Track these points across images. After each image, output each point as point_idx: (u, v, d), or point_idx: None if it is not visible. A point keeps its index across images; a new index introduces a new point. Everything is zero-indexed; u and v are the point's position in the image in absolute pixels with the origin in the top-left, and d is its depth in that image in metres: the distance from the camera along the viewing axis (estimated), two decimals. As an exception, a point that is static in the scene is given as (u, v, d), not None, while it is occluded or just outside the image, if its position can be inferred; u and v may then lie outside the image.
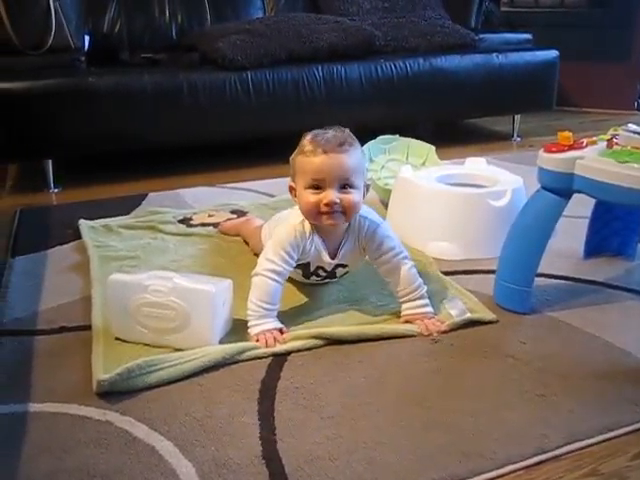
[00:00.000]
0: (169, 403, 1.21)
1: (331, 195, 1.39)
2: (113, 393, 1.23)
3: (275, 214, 1.75)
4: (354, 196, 1.41)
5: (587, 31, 3.99)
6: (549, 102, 3.34)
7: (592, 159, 1.39)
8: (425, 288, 1.52)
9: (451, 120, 3.61)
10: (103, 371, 1.25)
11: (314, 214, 1.42)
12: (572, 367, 1.33)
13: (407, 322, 1.49)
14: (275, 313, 1.46)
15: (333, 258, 1.51)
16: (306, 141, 1.44)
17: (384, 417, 1.18)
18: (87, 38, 2.83)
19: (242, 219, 2.08)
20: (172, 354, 1.31)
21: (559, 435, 1.13)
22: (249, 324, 1.44)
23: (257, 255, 1.58)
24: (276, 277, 1.44)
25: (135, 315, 1.37)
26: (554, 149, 1.45)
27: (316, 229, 1.48)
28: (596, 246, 1.84)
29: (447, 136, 3.19)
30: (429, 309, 1.50)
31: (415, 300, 1.50)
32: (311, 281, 1.62)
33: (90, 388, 1.24)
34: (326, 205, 1.39)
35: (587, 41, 3.97)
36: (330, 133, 1.43)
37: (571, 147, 1.44)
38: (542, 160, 1.47)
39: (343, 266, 1.57)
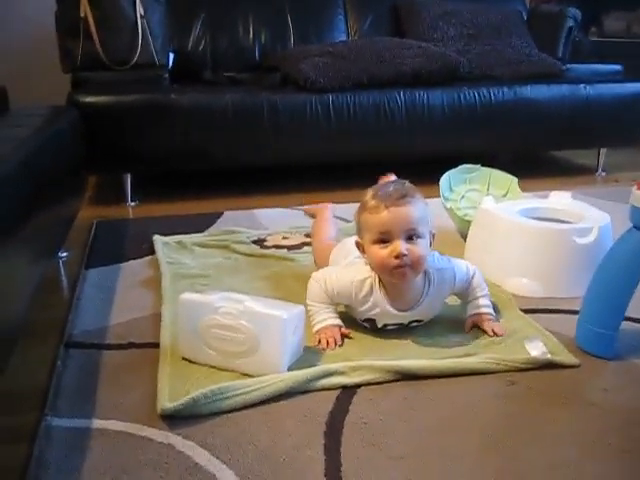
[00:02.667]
0: (233, 430, 1.18)
1: (399, 246, 1.40)
2: (178, 416, 1.20)
3: (345, 241, 1.75)
4: (421, 247, 1.43)
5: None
6: (637, 137, 3.21)
7: (690, 200, 1.30)
8: (486, 289, 1.59)
9: (534, 151, 3.51)
10: (168, 395, 1.23)
11: (387, 269, 1.43)
12: (660, 421, 1.25)
13: (474, 325, 1.55)
14: (334, 310, 1.54)
15: (402, 311, 1.50)
16: (368, 197, 1.46)
17: (457, 462, 1.12)
18: (171, 56, 2.88)
19: (326, 213, 2.11)
20: (239, 382, 1.28)
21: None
22: (312, 323, 1.51)
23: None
24: (324, 291, 1.52)
25: (204, 336, 1.35)
26: (648, 187, 1.37)
27: (389, 287, 1.48)
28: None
29: (528, 167, 3.09)
30: (491, 310, 1.57)
31: (478, 299, 1.57)
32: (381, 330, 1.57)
33: (154, 408, 1.22)
34: (396, 257, 1.40)
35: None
36: (391, 187, 1.46)
37: (667, 186, 1.36)
38: (635, 198, 1.39)
39: (418, 321, 1.56)
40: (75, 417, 1.21)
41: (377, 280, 1.49)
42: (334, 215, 2.22)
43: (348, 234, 2.06)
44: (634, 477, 1.09)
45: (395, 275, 1.43)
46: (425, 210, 1.46)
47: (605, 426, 1.22)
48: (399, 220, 1.41)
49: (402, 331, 1.54)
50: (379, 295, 1.48)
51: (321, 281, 1.53)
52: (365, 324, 1.55)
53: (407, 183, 1.49)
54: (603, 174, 3.25)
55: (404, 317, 1.51)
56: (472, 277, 1.58)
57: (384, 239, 1.42)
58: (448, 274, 1.53)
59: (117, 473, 1.07)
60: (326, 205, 2.23)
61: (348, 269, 1.56)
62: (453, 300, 1.64)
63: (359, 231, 1.49)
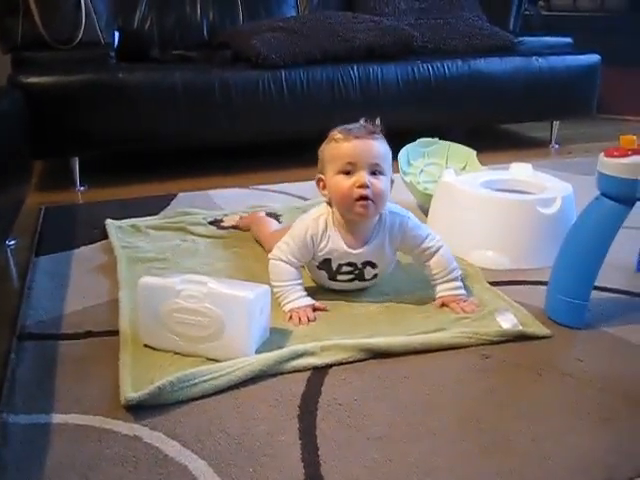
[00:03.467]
0: (203, 418, 1.12)
1: (363, 177, 1.41)
2: (143, 406, 1.14)
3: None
4: (384, 183, 1.44)
5: (627, 36, 3.85)
6: (589, 108, 3.22)
7: (660, 165, 1.29)
8: (459, 272, 1.55)
9: (488, 125, 3.50)
10: (131, 385, 1.17)
11: (348, 201, 1.43)
12: (635, 388, 1.23)
13: (443, 305, 1.51)
14: (302, 287, 1.51)
15: (354, 249, 1.50)
16: (336, 131, 1.47)
17: (437, 439, 1.08)
18: (117, 34, 2.77)
19: (258, 215, 2.04)
20: (205, 367, 1.22)
21: (628, 465, 1.03)
22: (282, 303, 1.48)
23: None
24: (285, 259, 1.50)
25: (166, 321, 1.29)
26: (616, 153, 1.34)
27: (343, 224, 1.50)
28: (651, 258, 1.73)
29: (483, 141, 3.07)
30: (463, 291, 1.54)
31: (449, 282, 1.53)
32: (340, 284, 1.57)
33: (118, 399, 1.15)
34: (360, 187, 1.41)
35: (627, 46, 3.83)
36: (360, 123, 1.47)
37: (635, 152, 1.33)
38: (603, 165, 1.36)
39: (372, 265, 1.54)
40: (33, 413, 1.14)
41: (331, 217, 1.51)
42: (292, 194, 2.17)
43: (306, 212, 2.02)
44: (615, 445, 1.07)
45: (356, 208, 1.43)
46: (389, 152, 1.48)
47: (582, 396, 1.20)
48: (366, 152, 1.42)
49: (365, 295, 1.55)
50: (333, 231, 1.50)
51: (280, 255, 1.51)
52: (322, 271, 1.55)
53: (369, 120, 1.49)
54: (557, 146, 3.25)
55: (356, 256, 1.51)
56: (436, 250, 1.53)
57: (349, 170, 1.43)
58: (400, 219, 1.52)
59: (82, 470, 1.00)
60: (255, 212, 2.11)
61: (296, 225, 1.55)
62: (422, 277, 1.60)
63: (322, 164, 1.49)
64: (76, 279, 1.68)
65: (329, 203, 1.52)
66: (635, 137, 1.35)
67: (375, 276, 1.57)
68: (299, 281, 1.52)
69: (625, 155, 1.33)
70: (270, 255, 1.53)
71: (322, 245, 1.50)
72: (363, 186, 1.41)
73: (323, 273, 1.56)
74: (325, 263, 1.53)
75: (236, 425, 1.11)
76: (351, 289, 1.58)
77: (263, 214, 2.06)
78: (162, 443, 1.06)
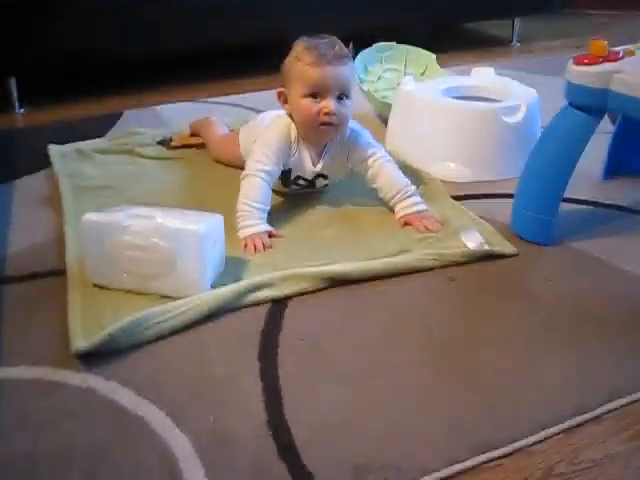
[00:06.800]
0: (158, 363, 1.07)
1: (332, 104, 1.41)
2: (95, 353, 1.07)
3: (250, 120, 1.73)
4: (348, 108, 1.45)
5: None
6: (552, 4, 3.11)
7: (632, 73, 1.21)
8: (414, 187, 1.52)
9: (447, 24, 3.37)
10: (81, 331, 1.09)
11: (314, 123, 1.43)
12: (604, 308, 1.20)
13: (406, 224, 1.47)
14: (265, 215, 1.45)
15: (314, 166, 1.51)
16: (303, 49, 1.43)
17: (403, 375, 1.04)
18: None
19: (204, 120, 1.98)
20: (158, 308, 1.14)
21: (599, 391, 1.00)
22: (238, 226, 1.42)
23: (221, 163, 1.78)
24: (265, 176, 1.45)
25: (114, 259, 1.21)
26: (586, 61, 1.27)
27: (303, 139, 1.49)
28: (617, 165, 1.68)
29: (443, 41, 2.98)
30: (422, 206, 1.49)
31: (406, 199, 1.49)
32: (292, 191, 1.59)
33: (68, 347, 1.08)
34: (326, 114, 1.41)
35: None
36: (326, 42, 1.44)
37: (606, 59, 1.26)
38: (572, 74, 1.29)
39: (324, 177, 1.55)
40: (-24, 367, 1.07)
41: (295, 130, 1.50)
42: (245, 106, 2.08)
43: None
44: (586, 371, 1.04)
45: (320, 131, 1.45)
46: (355, 72, 1.52)
47: (552, 319, 1.17)
48: (335, 79, 1.41)
49: (322, 213, 1.50)
50: (301, 144, 1.50)
51: (262, 167, 1.45)
52: (279, 181, 1.54)
53: (338, 40, 1.46)
54: (518, 44, 3.16)
55: (314, 171, 1.52)
56: (381, 166, 1.51)
57: (316, 94, 1.41)
58: (353, 134, 1.52)
59: (33, 429, 0.94)
60: (208, 117, 2.04)
61: (271, 125, 1.53)
62: (380, 199, 1.54)
63: (286, 80, 1.46)
64: (18, 214, 1.57)
65: (290, 116, 1.49)
66: (606, 42, 1.27)
67: (326, 185, 1.60)
68: (266, 208, 1.45)
69: (595, 62, 1.26)
70: (248, 170, 1.46)
71: (292, 152, 1.49)
72: (330, 113, 1.41)
73: (278, 181, 1.54)
74: (284, 174, 1.52)
75: (194, 368, 1.06)
76: (301, 194, 1.60)
77: (215, 118, 1.98)
78: (117, 394, 1.00)
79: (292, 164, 1.51)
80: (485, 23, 3.38)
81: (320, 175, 1.54)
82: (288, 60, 1.46)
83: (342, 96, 1.43)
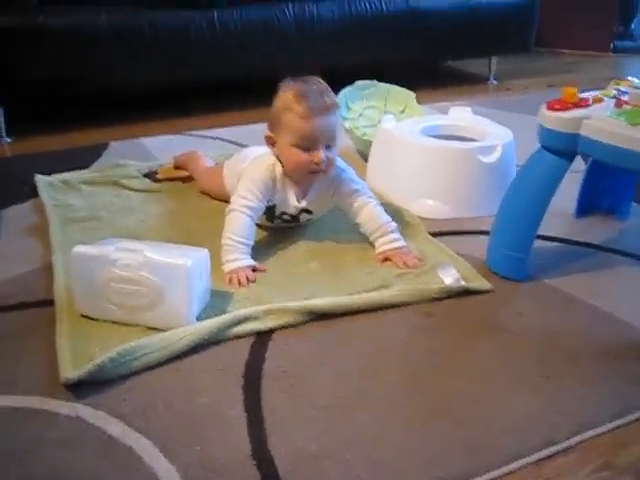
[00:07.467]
0: (146, 393, 1.10)
1: (321, 155, 1.45)
2: (84, 382, 1.10)
3: (235, 154, 1.79)
4: (335, 153, 1.50)
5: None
6: (527, 44, 3.22)
7: (601, 120, 1.28)
8: (395, 224, 1.56)
9: (426, 62, 3.46)
10: (70, 361, 1.13)
11: (303, 170, 1.48)
12: (574, 343, 1.25)
13: (386, 260, 1.51)
14: (249, 250, 1.48)
15: (299, 202, 1.55)
16: (293, 98, 1.44)
17: (382, 406, 1.08)
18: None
19: (190, 154, 2.02)
20: (146, 340, 1.18)
21: (568, 423, 1.05)
22: (223, 260, 1.45)
23: (209, 196, 1.82)
24: (249, 212, 1.49)
25: (103, 291, 1.25)
26: (557, 106, 1.33)
27: (289, 178, 1.53)
28: (589, 203, 1.75)
29: (422, 79, 3.05)
30: (402, 243, 1.53)
31: (386, 235, 1.53)
32: (275, 225, 1.63)
33: (57, 376, 1.11)
34: (316, 164, 1.45)
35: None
36: (314, 89, 1.46)
37: (576, 105, 1.33)
38: (544, 118, 1.35)
39: (308, 212, 1.59)
40: (-34, 396, 1.09)
41: (280, 168, 1.53)
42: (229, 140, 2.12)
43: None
44: (555, 404, 1.09)
45: (308, 176, 1.50)
46: (340, 116, 1.56)
47: (523, 353, 1.22)
48: (326, 131, 1.45)
49: (304, 247, 1.57)
50: (285, 182, 1.53)
51: (247, 203, 1.49)
52: (263, 217, 1.58)
53: (323, 83, 1.49)
54: (495, 82, 3.25)
55: (298, 208, 1.57)
56: (364, 203, 1.56)
57: (306, 145, 1.45)
58: (337, 172, 1.54)
59: (22, 456, 0.97)
60: (193, 151, 2.08)
61: (257, 161, 1.56)
62: (362, 235, 1.59)
63: (274, 126, 1.49)
64: (6, 243, 1.61)
65: (277, 157, 1.53)
66: (576, 90, 1.34)
67: (309, 220, 1.64)
68: (250, 242, 1.49)
69: (566, 108, 1.32)
70: (233, 206, 1.50)
71: (277, 189, 1.53)
72: (319, 163, 1.45)
73: (263, 216, 1.58)
74: (269, 209, 1.56)
75: (180, 399, 1.09)
76: (285, 228, 1.64)
77: (200, 152, 2.03)
78: (105, 423, 1.03)
79: (276, 200, 1.54)
80: (463, 61, 3.46)
81: (304, 210, 1.58)
82: (277, 107, 1.47)
83: (330, 144, 1.47)
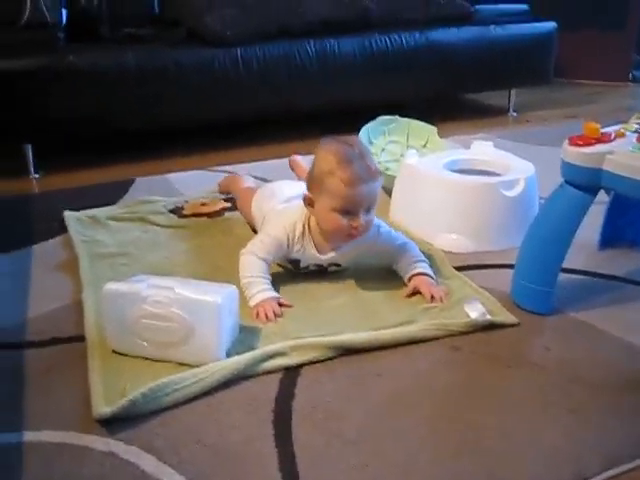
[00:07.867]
0: (178, 429, 1.12)
1: (362, 220, 1.44)
2: (116, 418, 1.12)
3: (268, 185, 1.84)
4: (373, 216, 1.49)
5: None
6: (547, 75, 3.24)
7: (623, 155, 1.29)
8: (423, 257, 1.58)
9: (447, 95, 3.49)
10: (103, 396, 1.15)
11: (340, 234, 1.48)
12: (601, 376, 1.26)
13: (414, 293, 1.52)
14: (268, 281, 1.50)
15: (325, 255, 1.55)
16: (337, 164, 1.42)
17: (412, 441, 1.09)
18: (64, 12, 2.67)
19: (231, 177, 2.13)
20: (177, 376, 1.20)
21: (596, 458, 1.05)
22: (248, 296, 1.47)
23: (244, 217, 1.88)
24: (261, 256, 1.52)
25: (134, 327, 1.27)
26: (580, 142, 1.35)
27: (319, 232, 1.52)
28: (612, 236, 1.76)
29: (442, 112, 3.08)
30: (430, 272, 1.55)
31: (416, 263, 1.56)
32: (304, 273, 1.62)
33: (90, 412, 1.13)
34: (355, 229, 1.45)
35: (582, 9, 3.84)
36: (357, 153, 1.44)
37: (599, 140, 1.34)
38: (567, 154, 1.37)
39: (337, 265, 1.59)
40: (2, 432, 1.11)
41: (307, 223, 1.53)
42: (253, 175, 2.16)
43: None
44: (582, 438, 1.09)
45: (344, 239, 1.50)
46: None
47: (550, 387, 1.23)
48: (369, 197, 1.44)
49: (330, 284, 1.57)
50: (308, 239, 1.53)
51: (254, 250, 1.52)
52: (289, 265, 1.60)
53: (361, 141, 1.52)
54: (515, 114, 3.27)
55: (324, 260, 1.56)
56: (404, 245, 1.58)
57: (347, 210, 1.43)
58: (372, 231, 1.53)
59: (58, 492, 0.99)
60: (235, 173, 2.16)
61: (273, 222, 1.57)
62: (388, 269, 1.61)
63: (315, 187, 1.47)
64: (37, 279, 1.63)
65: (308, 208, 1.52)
66: (599, 125, 1.36)
67: (337, 271, 1.62)
68: (267, 276, 1.51)
69: (589, 144, 1.34)
70: (243, 250, 1.53)
71: (296, 248, 1.53)
72: (358, 228, 1.45)
73: (290, 267, 1.60)
74: (294, 262, 1.58)
75: (211, 434, 1.11)
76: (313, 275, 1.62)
77: (241, 175, 2.12)
78: (138, 458, 1.05)
79: (298, 256, 1.56)
80: (483, 93, 3.49)
81: (333, 263, 1.59)
82: (319, 170, 1.45)
83: (370, 208, 1.46)
